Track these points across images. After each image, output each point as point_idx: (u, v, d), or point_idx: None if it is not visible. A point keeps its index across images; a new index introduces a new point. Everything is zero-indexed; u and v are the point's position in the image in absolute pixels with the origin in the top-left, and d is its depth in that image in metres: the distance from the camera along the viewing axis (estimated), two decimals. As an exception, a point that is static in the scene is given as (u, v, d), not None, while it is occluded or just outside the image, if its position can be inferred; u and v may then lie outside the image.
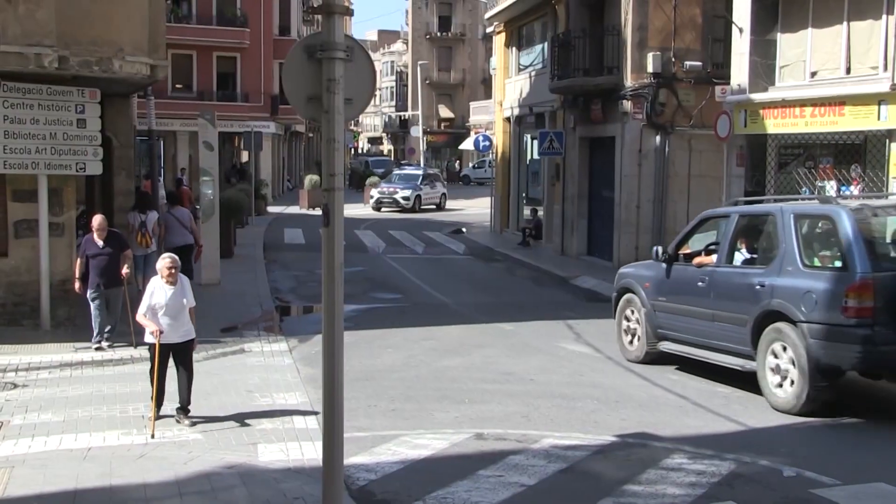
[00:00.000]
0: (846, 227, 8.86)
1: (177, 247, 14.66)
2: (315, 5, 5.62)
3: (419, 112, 54.68)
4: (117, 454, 7.67)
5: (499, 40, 30.25)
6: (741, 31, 16.92)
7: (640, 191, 20.04)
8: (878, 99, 13.83)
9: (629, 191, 20.10)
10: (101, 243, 11.72)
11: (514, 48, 28.73)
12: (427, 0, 74.19)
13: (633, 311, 11.71)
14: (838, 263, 8.97)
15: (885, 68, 14.31)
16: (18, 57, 11.41)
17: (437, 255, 24.46)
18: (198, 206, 17.65)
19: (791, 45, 16.45)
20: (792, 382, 9.08)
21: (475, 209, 38.99)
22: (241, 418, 8.74)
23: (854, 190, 15.08)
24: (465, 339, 13.15)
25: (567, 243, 23.35)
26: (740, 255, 10.41)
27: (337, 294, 5.74)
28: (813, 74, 15.93)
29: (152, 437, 8.08)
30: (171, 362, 8.64)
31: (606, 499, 6.86)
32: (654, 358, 11.33)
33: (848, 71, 15.18)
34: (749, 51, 16.68)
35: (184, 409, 8.63)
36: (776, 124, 16.05)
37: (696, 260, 10.88)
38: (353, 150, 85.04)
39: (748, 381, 10.62)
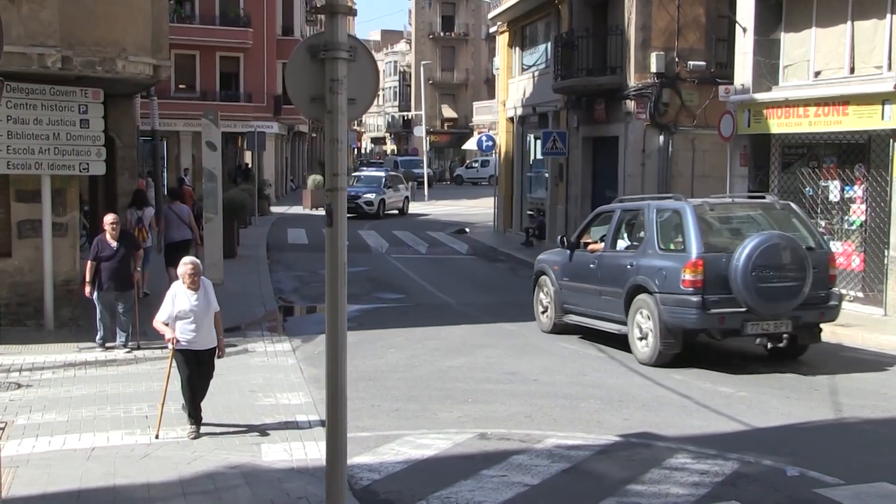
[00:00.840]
0: (688, 218, 11.11)
1: (175, 241, 15.35)
2: (318, 5, 5.62)
3: (422, 112, 54.70)
4: (121, 454, 7.67)
5: (502, 40, 30.25)
6: (745, 30, 16.91)
7: (644, 191, 20.01)
8: (882, 98, 13.81)
9: (632, 191, 20.07)
10: (114, 244, 11.56)
11: (517, 48, 28.73)
12: (430, 0, 74.20)
13: (545, 290, 13.74)
14: (681, 247, 11.18)
15: (889, 68, 14.29)
16: (22, 57, 11.43)
17: (440, 255, 24.46)
18: (202, 203, 17.81)
19: (795, 45, 16.44)
20: (650, 341, 11.23)
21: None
22: (244, 418, 8.75)
23: (858, 190, 15.07)
24: (469, 339, 13.15)
25: (570, 243, 23.28)
26: (623, 243, 12.51)
27: (340, 294, 5.74)
28: (816, 74, 15.91)
29: (157, 437, 7.99)
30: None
31: (610, 499, 6.86)
32: (560, 329, 13.40)
33: (852, 70, 15.16)
34: (752, 50, 16.67)
35: (193, 417, 8.35)
36: (780, 124, 16.03)
37: (590, 247, 13.03)
38: (356, 150, 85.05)
39: (750, 382, 10.63)
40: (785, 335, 11.09)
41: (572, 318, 13.10)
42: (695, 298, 10.75)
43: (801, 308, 10.91)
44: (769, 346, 11.42)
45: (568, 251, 13.30)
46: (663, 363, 11.11)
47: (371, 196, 35.33)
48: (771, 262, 10.60)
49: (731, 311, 10.76)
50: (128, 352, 11.59)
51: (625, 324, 11.77)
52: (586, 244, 13.17)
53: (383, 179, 37.54)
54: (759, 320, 10.85)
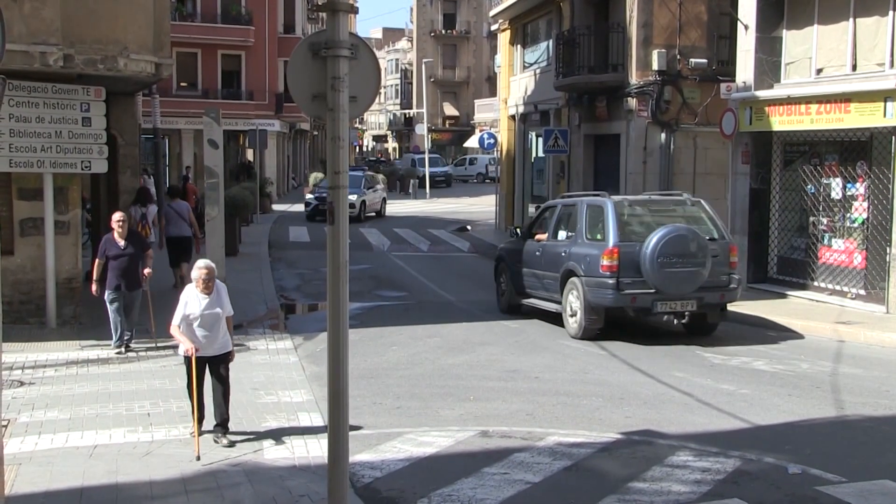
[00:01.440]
0: (608, 213, 12.79)
1: (174, 237, 16.12)
2: (320, 3, 5.60)
3: (424, 110, 54.65)
4: (123, 452, 7.69)
5: (503, 38, 30.23)
6: (746, 28, 16.89)
7: (646, 188, 20.00)
8: (885, 96, 13.79)
9: (634, 188, 20.06)
10: (122, 243, 11.41)
11: (518, 46, 28.71)
12: (432, -2, 74.18)
13: (502, 275, 15.46)
14: (602, 237, 12.77)
15: (892, 65, 14.28)
16: (24, 55, 11.43)
17: (442, 253, 24.47)
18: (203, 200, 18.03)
19: (797, 42, 16.42)
20: (578, 317, 12.87)
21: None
22: (246, 416, 8.76)
23: (860, 187, 15.06)
24: (470, 337, 13.16)
25: (572, 241, 23.30)
26: (564, 233, 14.03)
27: (342, 292, 5.75)
28: (819, 71, 15.90)
29: (198, 458, 7.47)
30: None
31: (611, 496, 6.86)
32: (515, 308, 15.02)
33: (854, 68, 15.15)
34: (754, 48, 16.65)
35: (223, 426, 8.04)
36: (781, 121, 16.02)
37: (537, 237, 14.57)
38: (357, 148, 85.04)
39: (752, 381, 10.63)
40: (687, 312, 12.68)
41: (524, 300, 14.71)
42: (611, 281, 12.40)
43: (704, 290, 12.49)
44: (675, 321, 13.12)
45: (521, 241, 15.08)
46: (588, 336, 12.77)
47: (353, 197, 31.65)
48: (674, 251, 12.19)
49: (642, 292, 12.42)
50: (118, 353, 11.41)
51: (560, 303, 13.35)
52: (534, 234, 14.81)
53: (363, 180, 34.79)
54: (667, 300, 12.45)
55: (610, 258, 12.40)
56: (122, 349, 11.49)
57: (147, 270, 11.66)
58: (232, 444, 7.86)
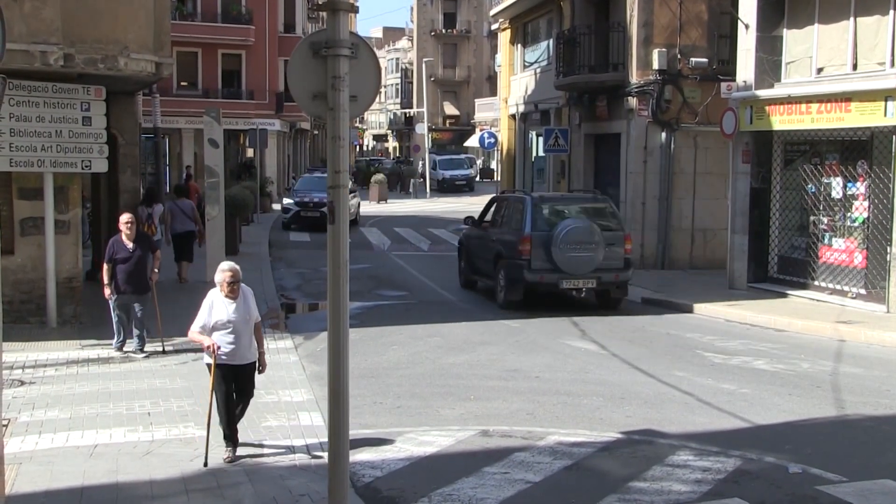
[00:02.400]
0: (526, 206, 15.50)
1: (179, 233, 17.19)
2: (320, 2, 5.59)
3: (424, 109, 54.60)
4: (123, 451, 7.69)
5: (504, 37, 30.24)
6: (747, 27, 16.88)
7: (646, 188, 20.02)
8: (885, 95, 13.78)
9: (635, 188, 20.08)
10: (130, 245, 11.18)
11: (519, 45, 28.71)
12: (432, -3, 74.15)
13: (462, 257, 18.17)
14: (521, 226, 15.28)
15: (892, 64, 14.27)
16: (24, 55, 11.43)
17: (442, 252, 24.42)
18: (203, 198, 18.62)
19: (797, 42, 16.41)
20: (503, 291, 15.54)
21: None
22: (246, 415, 8.74)
23: (860, 187, 15.06)
24: (471, 337, 13.16)
25: (572, 240, 23.32)
26: (498, 223, 16.67)
27: (342, 291, 5.74)
28: (819, 71, 15.89)
29: (205, 464, 7.22)
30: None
31: (612, 496, 6.86)
32: (471, 283, 17.71)
33: (854, 67, 15.14)
34: (755, 47, 16.64)
35: (232, 439, 7.61)
36: (782, 121, 16.01)
37: (483, 225, 17.36)
38: (358, 147, 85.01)
39: (752, 380, 10.63)
40: (584, 288, 15.34)
41: (475, 277, 17.49)
42: (525, 262, 14.99)
43: (601, 271, 15.07)
44: (577, 295, 15.78)
45: (474, 228, 17.72)
46: (510, 307, 15.30)
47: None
48: (575, 239, 14.81)
49: (550, 272, 14.99)
50: (146, 356, 11.23)
51: (493, 279, 16.04)
52: (484, 223, 17.43)
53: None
54: (570, 279, 14.99)
55: (524, 244, 15.04)
56: (122, 351, 11.38)
57: (155, 273, 11.49)
58: (233, 461, 7.43)
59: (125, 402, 9.20)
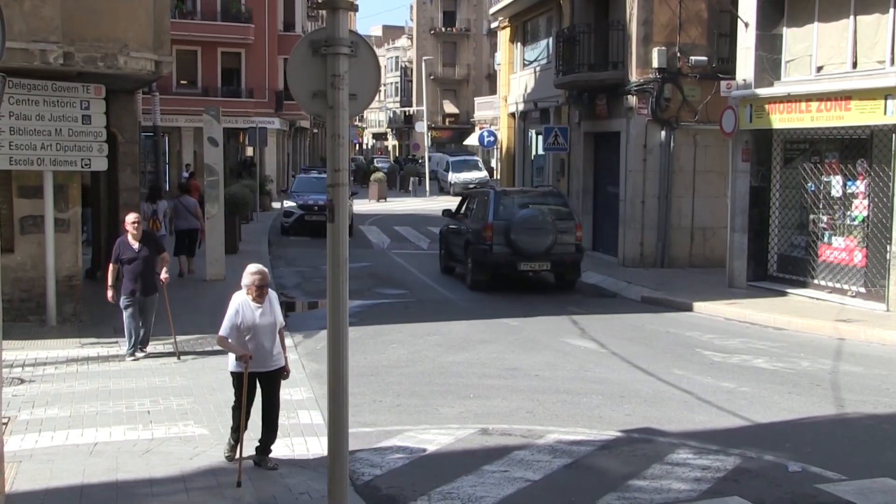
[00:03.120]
0: (490, 199, 17.69)
1: (183, 230, 17.78)
2: (320, 1, 5.59)
3: (424, 108, 54.61)
4: (123, 449, 7.69)
5: (503, 35, 30.23)
6: (747, 25, 16.87)
7: (646, 186, 20.02)
8: (885, 93, 13.78)
9: (634, 186, 20.07)
10: (136, 245, 10.84)
11: (518, 43, 28.70)
12: (432, -5, 74.08)
13: (442, 246, 20.28)
14: (485, 216, 17.39)
15: (892, 62, 14.27)
16: (24, 53, 11.42)
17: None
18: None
19: (797, 40, 16.41)
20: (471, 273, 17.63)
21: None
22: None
23: (860, 185, 15.05)
24: (470, 335, 13.16)
25: (572, 239, 23.33)
26: (469, 214, 18.66)
27: (342, 290, 5.75)
28: (819, 69, 15.89)
29: (238, 484, 6.81)
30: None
31: (611, 494, 6.86)
32: (449, 269, 19.56)
33: (854, 65, 15.14)
34: (755, 45, 16.64)
35: (267, 450, 7.36)
36: (782, 119, 16.01)
37: (458, 216, 19.38)
38: (357, 145, 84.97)
39: (752, 378, 10.63)
40: (540, 269, 17.29)
41: (452, 264, 19.21)
42: (487, 247, 17.03)
43: (554, 255, 16.97)
44: (532, 274, 17.77)
45: (451, 219, 19.79)
46: (478, 287, 17.35)
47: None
48: (529, 226, 16.78)
49: (509, 255, 16.93)
50: (133, 360, 10.93)
51: (464, 263, 17.95)
52: (458, 215, 19.49)
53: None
54: (526, 261, 16.91)
55: (487, 231, 17.07)
56: (136, 356, 11.00)
57: (164, 276, 11.13)
58: (276, 467, 7.23)
59: (125, 401, 9.20)
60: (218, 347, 11.58)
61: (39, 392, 9.52)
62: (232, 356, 7.27)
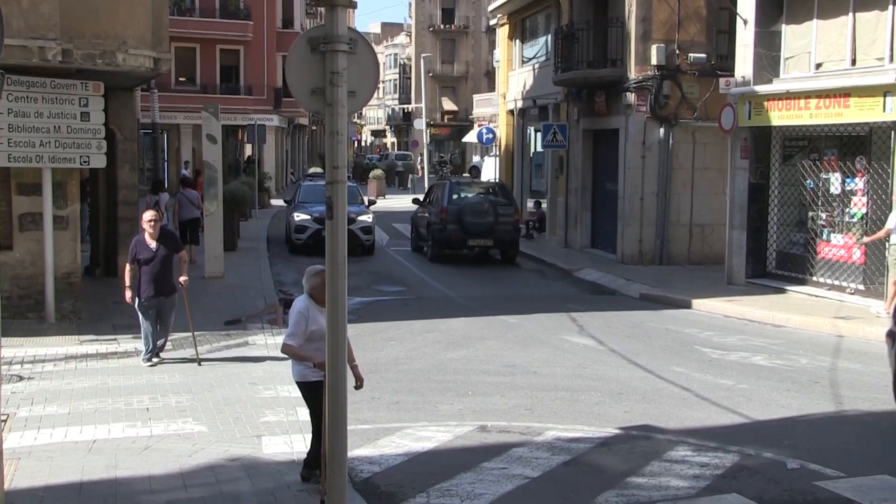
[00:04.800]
0: (446, 188, 21.87)
1: (186, 220, 18.74)
2: (318, -2, 5.57)
3: (422, 105, 54.52)
4: (122, 446, 7.69)
5: (502, 32, 30.19)
6: (746, 22, 16.87)
7: (644, 183, 20.02)
8: (884, 90, 13.78)
9: (633, 183, 20.07)
10: (153, 245, 10.42)
11: (517, 40, 28.67)
12: (430, -7, 74.00)
13: (413, 227, 23.56)
14: (441, 201, 21.23)
15: (891, 60, 14.27)
16: (22, 50, 11.41)
17: (440, 248, 24.44)
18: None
19: (796, 37, 16.40)
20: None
21: None
22: (245, 411, 8.76)
23: (859, 182, 15.06)
24: (469, 332, 13.16)
25: (571, 236, 23.35)
26: (432, 201, 22.43)
27: (340, 287, 5.74)
28: (818, 66, 15.88)
29: (322, 503, 6.18)
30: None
31: (610, 491, 6.87)
32: (419, 248, 22.88)
33: (853, 62, 15.13)
34: (753, 42, 16.63)
35: (315, 465, 6.74)
36: (780, 116, 16.01)
37: (425, 203, 22.80)
38: (356, 143, 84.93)
39: (751, 375, 10.64)
40: (485, 245, 20.93)
41: (421, 244, 22.61)
42: (441, 226, 20.73)
43: (496, 234, 20.62)
44: (477, 249, 21.17)
45: (420, 206, 23.27)
46: (435, 260, 20.99)
47: (366, 219, 22.42)
48: (474, 209, 20.51)
49: (459, 233, 20.53)
50: (151, 365, 10.54)
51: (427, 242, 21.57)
52: (425, 203, 22.99)
53: (356, 190, 25.22)
54: (473, 238, 20.58)
55: (441, 213, 20.77)
56: (153, 360, 10.64)
57: (183, 279, 10.69)
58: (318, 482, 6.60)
59: (124, 398, 9.20)
60: (216, 344, 11.66)
61: (38, 389, 9.52)
62: (298, 365, 6.78)
